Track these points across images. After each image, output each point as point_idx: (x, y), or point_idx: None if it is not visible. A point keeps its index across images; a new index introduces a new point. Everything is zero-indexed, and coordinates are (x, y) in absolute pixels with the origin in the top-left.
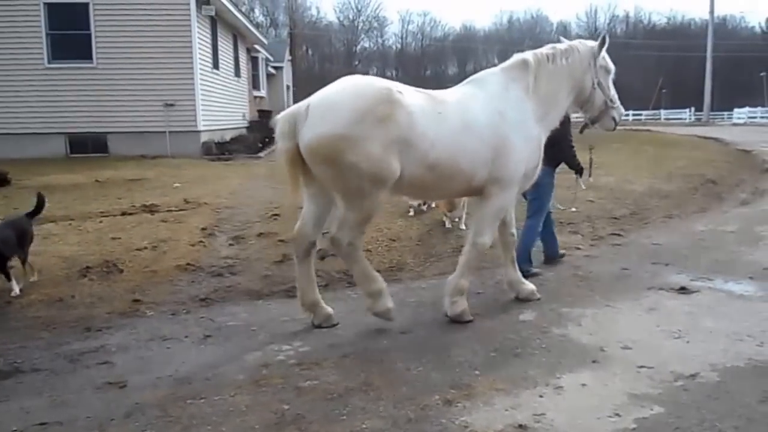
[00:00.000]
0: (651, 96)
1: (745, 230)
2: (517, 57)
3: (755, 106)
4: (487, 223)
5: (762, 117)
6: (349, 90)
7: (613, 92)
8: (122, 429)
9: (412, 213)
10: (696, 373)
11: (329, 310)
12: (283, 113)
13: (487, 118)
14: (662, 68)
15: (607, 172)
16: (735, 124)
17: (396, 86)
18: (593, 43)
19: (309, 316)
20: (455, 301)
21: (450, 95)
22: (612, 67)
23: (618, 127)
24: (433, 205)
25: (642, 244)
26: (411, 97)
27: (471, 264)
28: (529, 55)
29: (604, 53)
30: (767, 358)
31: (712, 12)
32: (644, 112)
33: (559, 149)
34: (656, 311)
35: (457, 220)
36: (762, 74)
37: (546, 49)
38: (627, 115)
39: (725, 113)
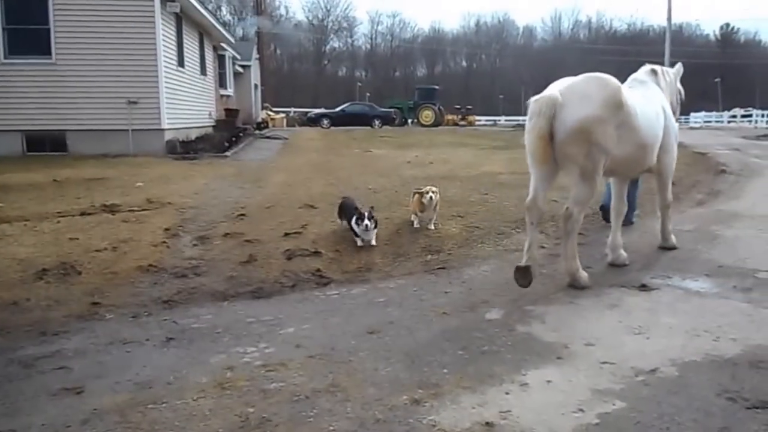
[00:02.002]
0: None
1: (701, 230)
2: (648, 66)
3: (710, 110)
4: (667, 183)
5: (717, 121)
6: (594, 83)
7: None
8: None
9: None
10: (656, 368)
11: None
12: (539, 97)
13: (659, 107)
14: (623, 73)
15: None
16: (692, 128)
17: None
18: (674, 70)
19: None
20: (668, 240)
21: (636, 90)
22: (682, 90)
23: None
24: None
25: (604, 243)
26: (626, 91)
27: (669, 215)
28: (656, 66)
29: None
30: (723, 353)
31: (669, 19)
32: None
33: None
34: (618, 308)
35: (426, 221)
36: (716, 80)
37: (658, 67)
38: None
39: (682, 117)
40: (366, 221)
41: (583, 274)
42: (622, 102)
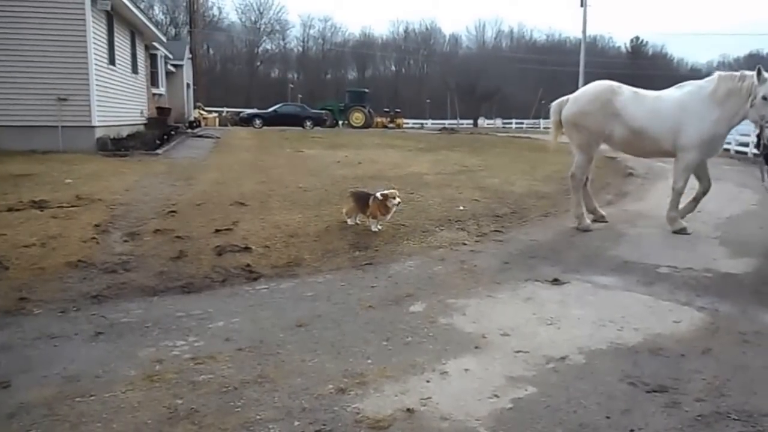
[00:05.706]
0: (532, 106)
1: (609, 228)
2: (715, 74)
3: None
4: (680, 174)
5: None
6: (589, 87)
7: (765, 112)
8: (6, 429)
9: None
10: (565, 356)
11: (588, 221)
12: (556, 102)
13: (671, 107)
14: (542, 81)
15: (492, 174)
16: None
17: (618, 85)
18: (752, 73)
19: (577, 223)
20: (674, 224)
21: (656, 93)
22: (763, 94)
23: (501, 134)
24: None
25: (521, 240)
26: (625, 90)
27: (675, 201)
28: (722, 73)
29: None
30: (626, 341)
31: (584, 31)
32: (525, 121)
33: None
34: (532, 301)
35: (365, 221)
36: None
37: (734, 72)
38: (510, 122)
39: None
40: None
41: (586, 221)
42: (609, 99)
